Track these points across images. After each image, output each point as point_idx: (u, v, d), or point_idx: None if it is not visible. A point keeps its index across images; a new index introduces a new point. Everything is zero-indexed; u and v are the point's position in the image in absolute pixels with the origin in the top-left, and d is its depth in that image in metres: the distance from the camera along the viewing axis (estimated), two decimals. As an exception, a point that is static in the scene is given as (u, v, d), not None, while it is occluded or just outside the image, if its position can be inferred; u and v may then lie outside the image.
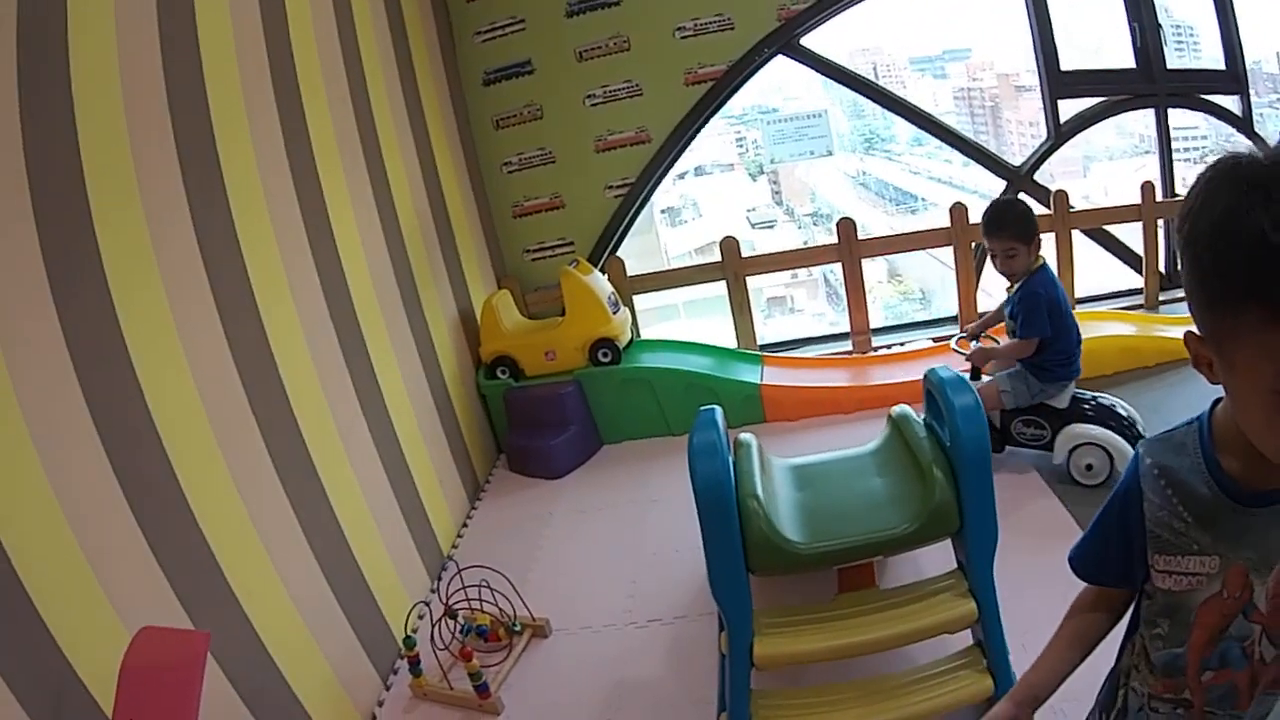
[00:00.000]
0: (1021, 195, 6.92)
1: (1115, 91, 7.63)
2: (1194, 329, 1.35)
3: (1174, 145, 7.84)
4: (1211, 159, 1.34)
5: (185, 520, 2.78)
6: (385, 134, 5.06)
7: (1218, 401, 1.46)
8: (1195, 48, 8.61)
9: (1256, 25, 8.08)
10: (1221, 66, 7.84)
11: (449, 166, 6.05)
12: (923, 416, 3.81)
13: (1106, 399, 4.77)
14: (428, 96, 5.86)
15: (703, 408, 3.58)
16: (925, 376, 3.67)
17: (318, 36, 4.41)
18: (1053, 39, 7.32)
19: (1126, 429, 4.53)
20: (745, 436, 3.87)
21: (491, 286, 6.49)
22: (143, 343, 2.73)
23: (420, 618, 3.93)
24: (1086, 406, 4.69)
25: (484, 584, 3.82)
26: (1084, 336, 5.89)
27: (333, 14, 4.63)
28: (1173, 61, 7.88)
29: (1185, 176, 8.24)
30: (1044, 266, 4.72)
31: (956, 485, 3.30)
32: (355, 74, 4.79)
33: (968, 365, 4.85)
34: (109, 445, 2.52)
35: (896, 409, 3.95)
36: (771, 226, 9.29)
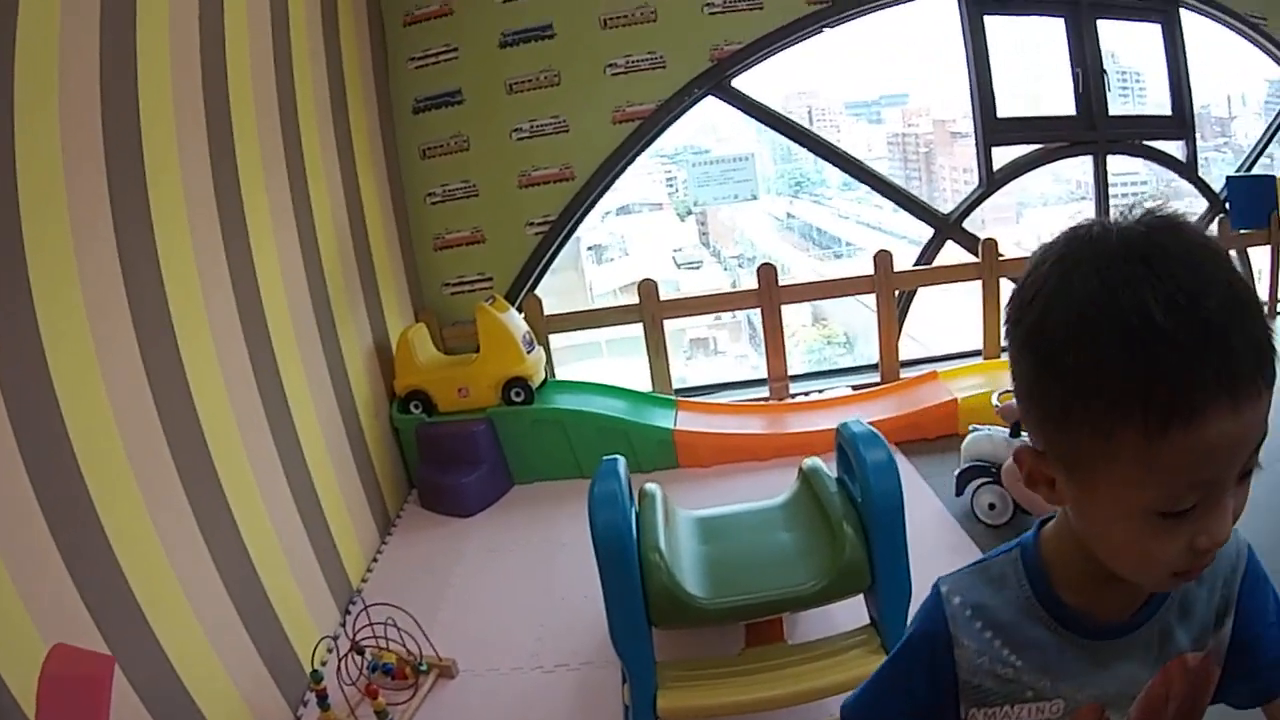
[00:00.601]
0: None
1: (1053, 138, 7.84)
2: (1027, 442, 1.22)
3: (1116, 192, 8.08)
4: (1054, 232, 1.15)
5: (99, 541, 2.86)
6: (312, 158, 5.14)
7: (1044, 523, 1.34)
8: (1140, 93, 8.84)
9: (1204, 70, 8.32)
10: (1167, 112, 8.13)
11: (373, 194, 6.13)
12: (835, 471, 3.91)
13: None
14: (357, 121, 5.94)
15: (605, 457, 3.68)
16: (838, 430, 3.79)
17: (253, 54, 4.50)
18: (990, 86, 7.49)
19: None
20: (650, 486, 3.96)
21: (409, 319, 6.54)
22: (64, 364, 2.82)
23: (330, 651, 3.99)
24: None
25: (390, 622, 3.91)
26: (1010, 386, 6.21)
27: (269, 34, 4.73)
28: (1117, 107, 8.12)
29: None
30: None
31: (868, 542, 3.40)
32: (287, 95, 4.88)
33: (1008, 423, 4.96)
34: (28, 462, 2.61)
35: (807, 462, 4.07)
36: (698, 267, 9.42)
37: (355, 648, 3.92)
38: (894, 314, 7.23)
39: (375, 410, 5.76)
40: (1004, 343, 1.21)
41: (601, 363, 8.44)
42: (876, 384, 7.19)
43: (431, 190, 6.83)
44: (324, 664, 3.91)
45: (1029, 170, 7.97)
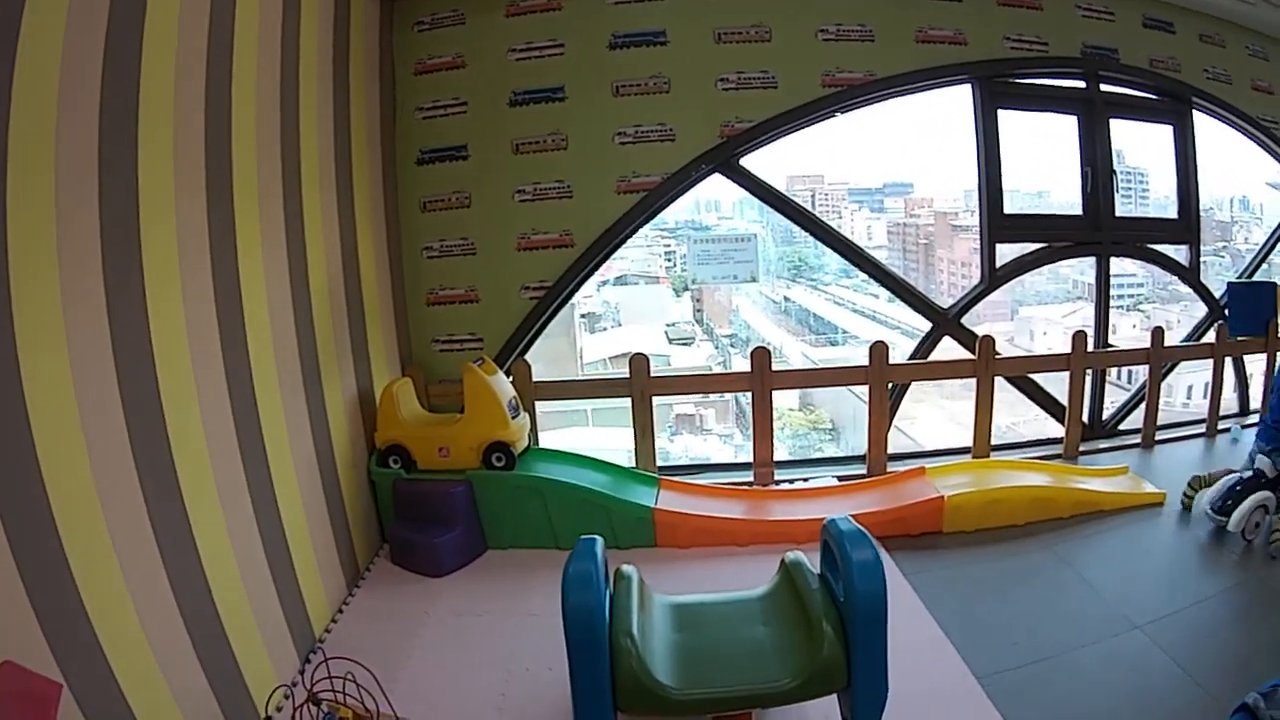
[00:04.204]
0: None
1: (1058, 238, 7.91)
2: None
3: (1110, 292, 8.15)
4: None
5: (59, 561, 2.88)
6: (310, 202, 5.20)
7: None
8: (1144, 194, 8.99)
9: (1207, 172, 8.45)
10: (1173, 215, 8.27)
11: (369, 243, 6.16)
12: (818, 567, 3.92)
13: None
14: (360, 168, 5.99)
15: (582, 536, 3.70)
16: (824, 526, 3.79)
17: (259, 95, 4.57)
18: (999, 181, 7.54)
19: None
20: (627, 569, 3.96)
21: (396, 372, 6.56)
22: (37, 388, 2.86)
23: (286, 698, 3.98)
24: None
25: (349, 677, 3.86)
26: (998, 486, 6.37)
27: (278, 76, 4.80)
28: (1121, 208, 8.21)
29: (1116, 324, 8.54)
30: None
31: (847, 641, 3.41)
32: (290, 136, 4.94)
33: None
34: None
35: (790, 555, 4.07)
36: (689, 344, 9.46)
37: (312, 698, 3.84)
38: (885, 406, 7.24)
39: (353, 461, 5.75)
40: None
41: (586, 431, 8.45)
42: (863, 476, 7.17)
43: (429, 244, 6.86)
44: (279, 710, 3.92)
45: (1032, 269, 8.06)
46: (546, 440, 7.17)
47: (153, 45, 3.59)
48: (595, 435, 8.21)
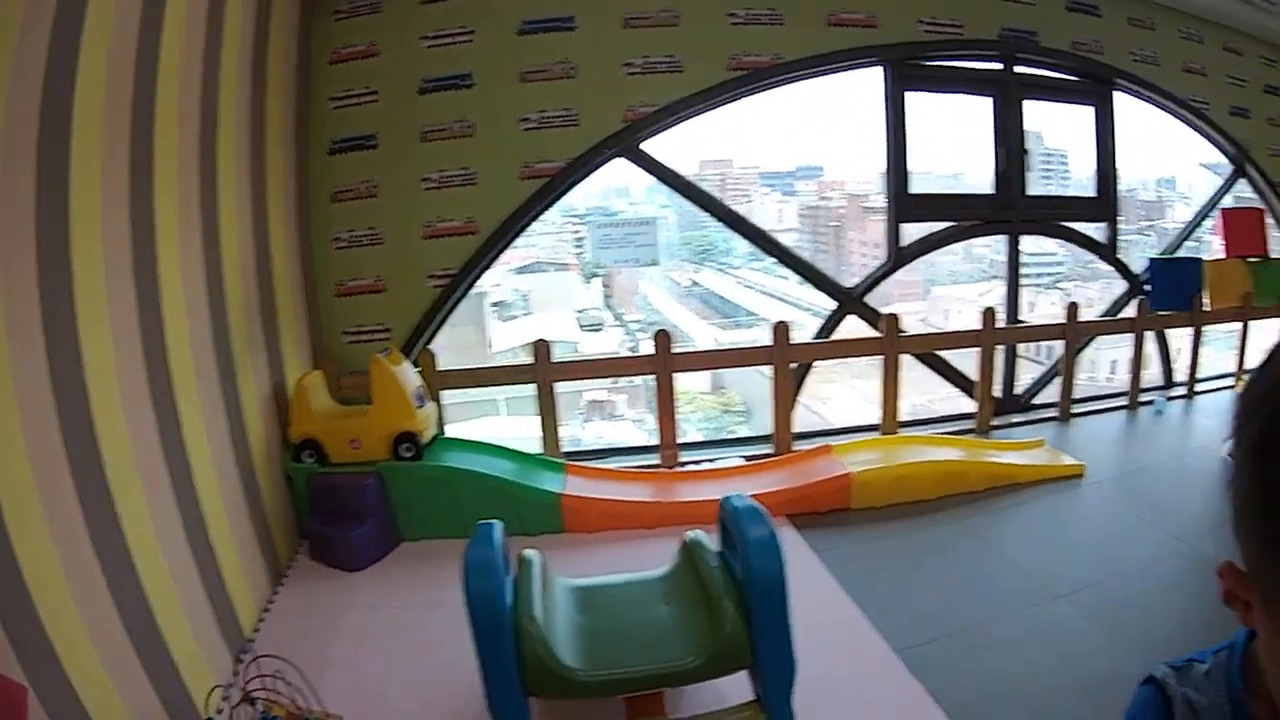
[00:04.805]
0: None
1: (967, 217, 8.24)
2: (1233, 561, 1.11)
3: (1029, 271, 8.47)
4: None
5: (11, 569, 3.00)
6: (226, 193, 5.26)
7: (1254, 632, 1.20)
8: (1064, 175, 9.42)
9: (1134, 153, 8.94)
10: (1092, 194, 8.69)
11: (281, 237, 6.22)
12: (718, 545, 4.05)
13: None
14: (274, 160, 6.06)
15: (481, 522, 3.84)
16: (720, 504, 3.94)
17: (181, 82, 4.63)
18: (905, 162, 7.85)
19: None
20: (529, 553, 4.08)
21: (308, 366, 6.62)
22: None
23: (224, 699, 4.07)
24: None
25: (279, 675, 3.96)
26: (907, 461, 6.60)
27: (201, 68, 4.87)
28: (1038, 188, 8.62)
29: (1034, 302, 8.85)
30: None
31: (750, 619, 3.52)
32: (209, 123, 5.01)
33: None
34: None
35: (690, 534, 4.22)
36: (599, 330, 9.65)
37: (246, 698, 3.95)
38: (789, 386, 7.46)
39: (270, 457, 5.80)
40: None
41: (499, 420, 8.57)
42: (769, 455, 7.40)
43: (338, 235, 6.93)
44: (219, 712, 4.02)
45: (939, 248, 8.36)
46: (461, 430, 7.27)
47: (90, 42, 3.68)
48: (509, 424, 8.34)
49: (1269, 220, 10.23)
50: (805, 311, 8.55)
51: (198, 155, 4.92)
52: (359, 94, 6.81)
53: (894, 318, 7.61)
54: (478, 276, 7.31)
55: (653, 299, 10.43)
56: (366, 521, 5.96)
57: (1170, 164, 11.28)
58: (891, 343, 7.59)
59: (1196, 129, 9.74)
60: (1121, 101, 9.14)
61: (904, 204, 8.12)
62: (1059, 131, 9.36)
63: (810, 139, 9.70)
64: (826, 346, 7.98)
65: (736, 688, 3.85)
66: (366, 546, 5.94)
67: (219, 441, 5.06)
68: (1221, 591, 1.13)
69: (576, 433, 8.23)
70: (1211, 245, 10.44)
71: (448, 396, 7.13)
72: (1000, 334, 8.18)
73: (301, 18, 6.48)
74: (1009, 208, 8.49)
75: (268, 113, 5.91)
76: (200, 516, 4.65)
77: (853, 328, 8.12)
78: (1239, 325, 9.76)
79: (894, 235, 8.15)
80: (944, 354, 8.53)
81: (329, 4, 6.70)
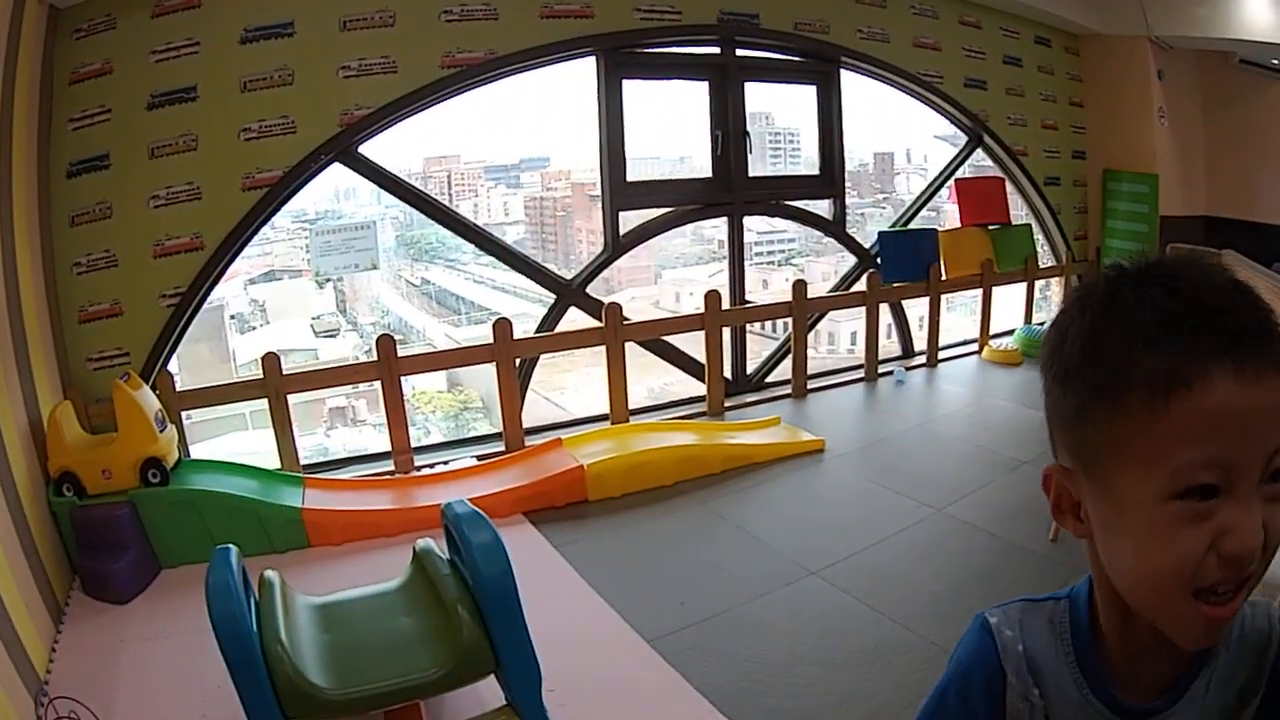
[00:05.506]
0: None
1: (685, 201, 8.79)
2: (1056, 463, 1.25)
3: (762, 249, 9.07)
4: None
5: None
6: None
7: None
8: (794, 154, 10.06)
9: (865, 128, 9.75)
10: (816, 172, 9.41)
11: (28, 265, 6.17)
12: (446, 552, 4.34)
13: None
14: (19, 185, 6.01)
15: (216, 547, 3.93)
16: (442, 512, 4.20)
17: None
18: (621, 151, 8.33)
19: None
20: (268, 574, 4.22)
21: (59, 396, 6.62)
22: None
23: None
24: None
25: (72, 715, 4.25)
26: (640, 449, 6.99)
27: None
28: (764, 169, 9.34)
29: (767, 279, 9.46)
30: None
31: (486, 624, 3.78)
32: None
33: None
34: None
35: (420, 543, 4.47)
36: (334, 335, 9.84)
37: None
38: (514, 382, 7.86)
39: (34, 493, 5.78)
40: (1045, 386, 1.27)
41: (246, 435, 8.69)
42: (502, 453, 7.83)
43: (78, 260, 6.93)
44: None
45: (659, 234, 8.91)
46: (210, 449, 7.46)
47: None
48: (256, 439, 8.42)
49: (1010, 188, 11.18)
50: (537, 304, 8.91)
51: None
52: (94, 113, 6.80)
53: (616, 307, 8.07)
54: (208, 292, 7.39)
55: (385, 300, 10.63)
56: (127, 552, 6.00)
57: (906, 138, 12.14)
58: (614, 332, 8.05)
59: (929, 104, 10.57)
60: (853, 80, 9.84)
61: (621, 192, 8.57)
62: (790, 112, 10.00)
63: (536, 130, 10.03)
64: (549, 340, 8.36)
65: (494, 692, 4.09)
66: (129, 578, 5.97)
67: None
68: (1050, 502, 1.26)
69: (322, 441, 8.43)
70: (949, 215, 11.33)
71: (195, 415, 7.32)
72: (725, 316, 8.71)
73: (46, 39, 6.49)
74: (728, 190, 9.04)
75: (14, 139, 5.93)
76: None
77: (578, 318, 8.51)
78: (980, 292, 10.64)
79: (613, 224, 8.58)
80: (673, 339, 8.99)
81: (70, 22, 6.69)
